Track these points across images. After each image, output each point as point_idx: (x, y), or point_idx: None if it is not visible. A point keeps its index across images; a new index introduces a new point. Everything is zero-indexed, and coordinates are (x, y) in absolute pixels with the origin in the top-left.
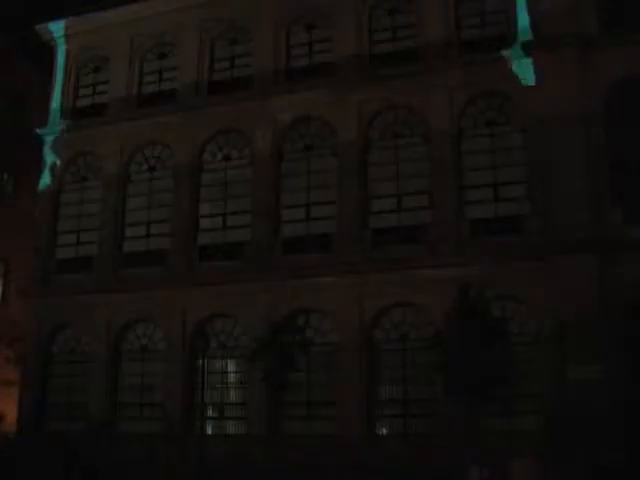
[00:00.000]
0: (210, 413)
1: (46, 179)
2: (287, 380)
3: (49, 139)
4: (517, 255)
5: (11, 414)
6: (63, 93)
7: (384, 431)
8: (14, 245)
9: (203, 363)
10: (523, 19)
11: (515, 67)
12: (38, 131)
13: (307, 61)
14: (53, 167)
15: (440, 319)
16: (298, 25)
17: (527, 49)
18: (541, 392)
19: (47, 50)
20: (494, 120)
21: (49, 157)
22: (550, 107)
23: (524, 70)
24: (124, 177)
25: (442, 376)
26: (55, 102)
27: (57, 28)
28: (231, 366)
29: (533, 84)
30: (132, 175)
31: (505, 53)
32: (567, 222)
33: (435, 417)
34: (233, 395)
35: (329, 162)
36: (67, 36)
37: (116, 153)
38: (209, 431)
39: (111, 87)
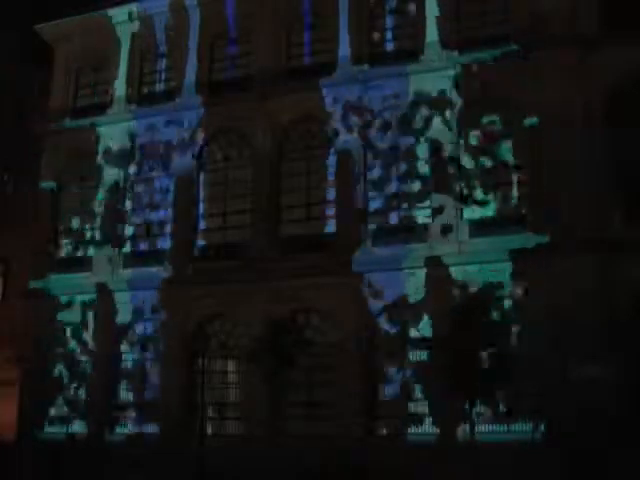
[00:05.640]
0: (210, 413)
1: (46, 179)
2: (287, 380)
3: (49, 139)
4: (515, 255)
5: (11, 414)
6: (63, 93)
7: (384, 431)
8: (14, 245)
9: (203, 363)
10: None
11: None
12: (38, 131)
13: (307, 61)
14: (53, 167)
15: (440, 319)
16: (299, 25)
17: (527, 49)
18: (541, 392)
19: (47, 50)
20: (494, 120)
21: (48, 157)
22: (550, 107)
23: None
24: (125, 177)
25: (442, 376)
26: (55, 102)
27: (57, 28)
28: (231, 366)
29: None
30: (132, 175)
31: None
32: (567, 222)
33: (435, 417)
34: (233, 395)
35: (328, 162)
36: (67, 36)
37: (117, 152)
38: (209, 431)
39: (111, 87)
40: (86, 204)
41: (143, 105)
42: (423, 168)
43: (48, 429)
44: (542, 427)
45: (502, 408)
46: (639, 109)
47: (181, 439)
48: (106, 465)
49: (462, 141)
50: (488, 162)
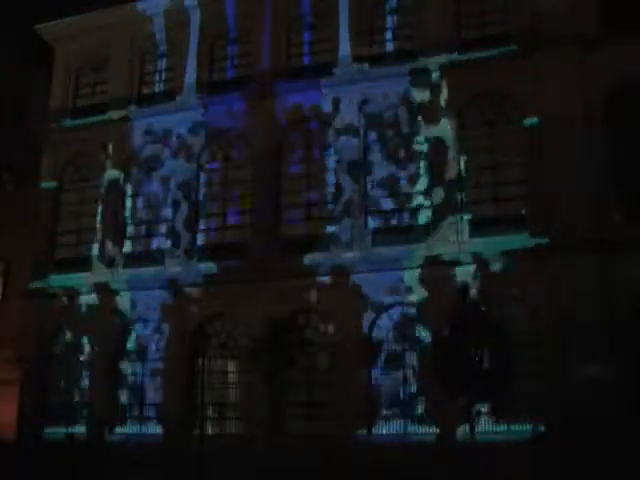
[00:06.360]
0: (210, 413)
1: (46, 179)
2: (287, 380)
3: (49, 139)
4: (517, 255)
5: (11, 414)
6: (63, 93)
7: (384, 431)
8: (14, 245)
9: (203, 363)
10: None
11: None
12: (38, 131)
13: (308, 60)
14: (53, 167)
15: (440, 319)
16: (298, 25)
17: (527, 49)
18: (541, 392)
19: (47, 50)
20: (494, 120)
21: (49, 157)
22: (550, 107)
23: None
24: (125, 177)
25: (442, 376)
26: (55, 102)
27: (57, 28)
28: (231, 366)
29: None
30: (132, 175)
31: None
32: (567, 222)
33: (435, 417)
34: (233, 395)
35: (328, 161)
36: (67, 36)
37: (117, 153)
38: (209, 431)
39: (111, 87)
40: (86, 204)
41: (143, 105)
42: (423, 168)
43: (48, 429)
44: (542, 427)
45: (502, 408)
46: (639, 109)
47: (181, 439)
48: (106, 465)
49: (462, 141)
50: (488, 162)
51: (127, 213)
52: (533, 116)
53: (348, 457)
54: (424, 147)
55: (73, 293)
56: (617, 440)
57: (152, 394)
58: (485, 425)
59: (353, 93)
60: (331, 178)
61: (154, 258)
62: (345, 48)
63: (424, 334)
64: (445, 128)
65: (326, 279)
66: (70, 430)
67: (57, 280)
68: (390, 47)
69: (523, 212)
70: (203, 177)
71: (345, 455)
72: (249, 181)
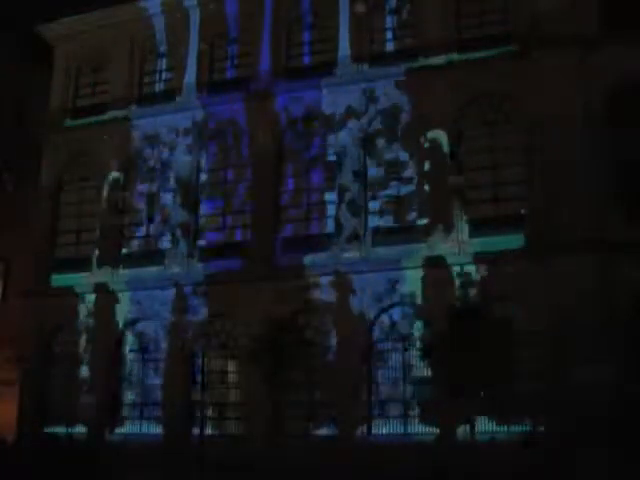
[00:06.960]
0: (210, 413)
1: (46, 179)
2: (287, 380)
3: (49, 139)
4: (517, 255)
5: (11, 414)
6: (63, 93)
7: (383, 431)
8: (14, 245)
9: (203, 363)
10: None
11: None
12: (38, 131)
13: (307, 60)
14: (53, 167)
15: (440, 319)
16: (298, 25)
17: (527, 49)
18: (541, 392)
19: (47, 50)
20: (494, 120)
21: (48, 157)
22: (550, 107)
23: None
24: (125, 177)
25: (442, 376)
26: (55, 102)
27: (57, 28)
28: (231, 366)
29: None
30: (132, 175)
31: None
32: (567, 222)
33: (435, 418)
34: (233, 395)
35: (329, 161)
36: (67, 36)
37: (117, 153)
38: (209, 431)
39: (111, 87)
40: (86, 204)
41: (143, 105)
42: (423, 168)
43: (48, 429)
44: (541, 428)
45: (502, 408)
46: (639, 109)
47: (181, 439)
48: (106, 465)
49: (462, 141)
50: (488, 162)
51: (127, 212)
52: (533, 116)
53: (348, 457)
54: (424, 146)
55: (73, 293)
56: (617, 440)
57: (152, 394)
58: (485, 425)
59: (353, 93)
60: (331, 178)
61: (154, 258)
62: (345, 48)
63: (424, 334)
64: (445, 127)
65: (326, 279)
66: (70, 430)
67: (57, 280)
68: (390, 47)
69: (523, 212)
70: (203, 177)
71: (345, 455)
72: (249, 181)
